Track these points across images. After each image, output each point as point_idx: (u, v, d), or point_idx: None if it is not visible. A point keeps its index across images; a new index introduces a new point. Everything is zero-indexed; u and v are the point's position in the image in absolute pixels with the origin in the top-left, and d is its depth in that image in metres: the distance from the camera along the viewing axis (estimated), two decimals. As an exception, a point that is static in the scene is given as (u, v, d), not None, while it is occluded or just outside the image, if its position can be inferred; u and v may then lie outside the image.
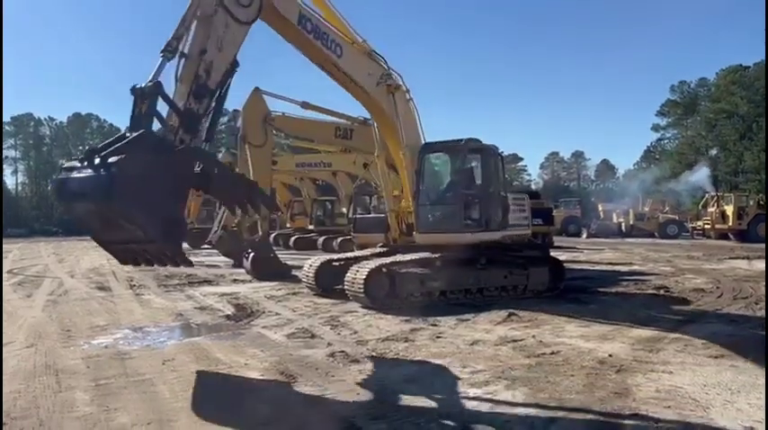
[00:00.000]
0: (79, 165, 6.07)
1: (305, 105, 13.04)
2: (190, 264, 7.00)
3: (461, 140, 11.52)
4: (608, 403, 4.96)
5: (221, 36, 7.71)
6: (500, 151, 12.02)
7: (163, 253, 6.77)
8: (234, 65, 7.95)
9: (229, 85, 7.91)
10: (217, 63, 7.57)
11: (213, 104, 7.56)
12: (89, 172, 5.87)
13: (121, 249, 6.99)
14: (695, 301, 10.59)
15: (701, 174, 44.37)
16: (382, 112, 11.88)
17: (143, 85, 6.70)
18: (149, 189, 5.89)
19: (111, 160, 5.76)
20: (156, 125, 6.78)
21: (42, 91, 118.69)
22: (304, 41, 10.15)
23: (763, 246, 23.49)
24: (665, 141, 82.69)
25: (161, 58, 7.20)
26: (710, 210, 34.29)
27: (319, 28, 10.16)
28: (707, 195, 36.90)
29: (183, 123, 6.90)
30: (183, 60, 7.36)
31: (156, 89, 6.69)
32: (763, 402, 4.80)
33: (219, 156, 28.84)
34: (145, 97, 6.70)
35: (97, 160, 5.80)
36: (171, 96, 7.00)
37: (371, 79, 11.23)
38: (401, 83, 11.73)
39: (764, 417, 4.27)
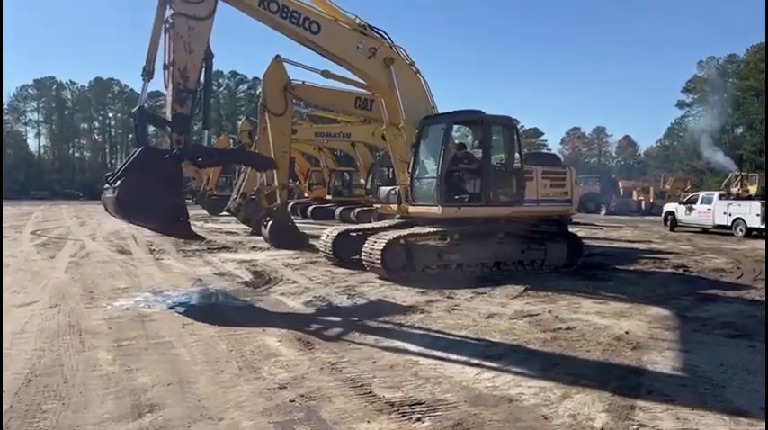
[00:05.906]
0: (107, 187, 8.06)
1: (326, 74, 12.89)
2: (201, 239, 10.09)
3: (460, 112, 11.35)
4: (623, 380, 4.96)
5: (187, 40, 8.23)
6: (513, 123, 11.50)
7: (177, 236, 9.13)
8: (209, 56, 8.62)
9: (211, 73, 8.84)
10: (190, 65, 8.28)
11: (200, 97, 8.65)
12: (110, 194, 7.84)
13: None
14: (714, 281, 10.50)
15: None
16: (377, 85, 11.86)
17: (134, 110, 8.58)
18: (146, 196, 7.59)
19: (116, 185, 7.65)
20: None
21: (64, 54, 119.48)
22: (270, 21, 10.22)
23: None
24: (690, 119, 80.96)
25: (142, 81, 8.68)
26: (733, 189, 33.68)
27: (288, 7, 10.18)
28: (730, 174, 36.23)
29: (173, 128, 8.17)
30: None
31: (140, 115, 8.51)
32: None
33: (239, 123, 28.99)
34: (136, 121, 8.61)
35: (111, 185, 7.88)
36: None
37: (361, 53, 11.12)
38: (400, 55, 11.55)
39: (764, 413, 4.22)
